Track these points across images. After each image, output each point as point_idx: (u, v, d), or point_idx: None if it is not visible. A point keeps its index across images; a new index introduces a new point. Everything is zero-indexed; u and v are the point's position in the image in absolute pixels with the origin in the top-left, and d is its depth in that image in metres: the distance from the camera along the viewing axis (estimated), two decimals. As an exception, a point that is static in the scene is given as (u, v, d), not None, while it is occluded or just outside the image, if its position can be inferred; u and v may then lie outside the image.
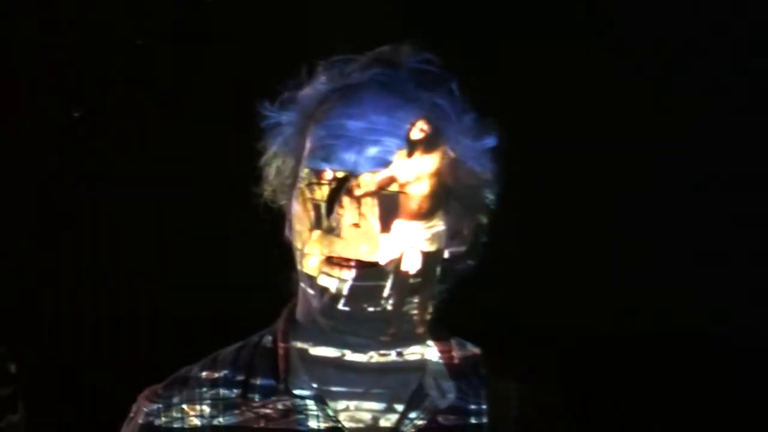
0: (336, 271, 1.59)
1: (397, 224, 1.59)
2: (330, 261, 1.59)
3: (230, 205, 1.94)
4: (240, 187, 1.73)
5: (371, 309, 1.60)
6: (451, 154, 1.63)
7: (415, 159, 1.60)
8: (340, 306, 1.60)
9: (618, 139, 2.96)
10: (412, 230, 1.60)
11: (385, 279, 1.60)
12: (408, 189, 1.60)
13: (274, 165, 1.69)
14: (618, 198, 2.96)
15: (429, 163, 1.61)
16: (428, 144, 1.61)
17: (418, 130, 1.60)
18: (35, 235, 3.32)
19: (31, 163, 3.26)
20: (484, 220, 1.70)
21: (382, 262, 1.59)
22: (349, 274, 1.58)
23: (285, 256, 1.68)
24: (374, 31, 1.73)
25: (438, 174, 1.62)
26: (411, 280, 1.62)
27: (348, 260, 1.58)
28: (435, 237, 1.63)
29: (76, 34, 3.21)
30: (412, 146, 1.60)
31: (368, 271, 1.59)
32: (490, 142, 1.67)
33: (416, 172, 1.60)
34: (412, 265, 1.61)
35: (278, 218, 1.70)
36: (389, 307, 1.61)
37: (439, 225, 1.63)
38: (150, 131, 3.19)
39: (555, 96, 2.91)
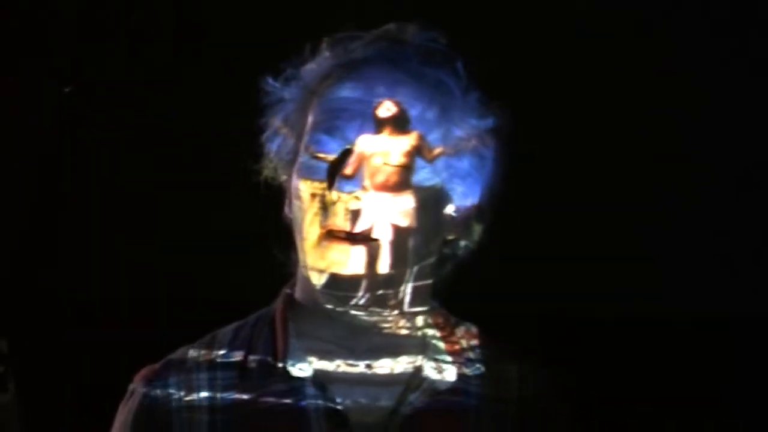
0: (335, 246, 1.57)
1: (398, 198, 1.58)
2: (330, 234, 1.57)
3: (230, 186, 1.93)
4: (241, 167, 1.72)
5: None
6: (456, 132, 1.62)
7: (417, 135, 1.58)
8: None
9: (620, 126, 2.96)
10: (411, 217, 1.58)
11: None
12: (410, 163, 1.58)
13: (275, 141, 1.68)
14: (617, 184, 2.96)
15: (431, 139, 1.59)
16: (433, 122, 1.60)
17: (414, 109, 1.59)
18: (31, 215, 3.31)
19: (30, 147, 3.26)
20: (485, 203, 1.69)
21: (382, 236, 1.57)
22: (348, 248, 1.57)
23: (285, 235, 1.68)
24: (379, 12, 1.72)
25: (441, 151, 1.60)
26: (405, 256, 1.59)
27: (348, 233, 1.57)
28: (435, 218, 1.61)
29: (75, 14, 3.20)
30: (414, 122, 1.58)
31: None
32: (495, 121, 1.66)
33: (419, 148, 1.58)
34: (409, 238, 1.59)
35: (279, 197, 1.69)
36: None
37: (439, 209, 1.62)
38: (149, 111, 3.19)
39: (559, 79, 2.91)
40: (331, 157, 1.58)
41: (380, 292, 1.59)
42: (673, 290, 2.94)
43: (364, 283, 1.58)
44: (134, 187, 3.22)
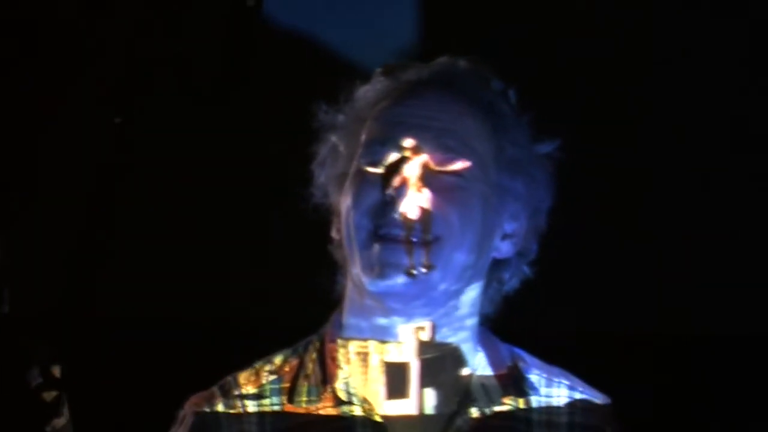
0: (387, 247, 1.58)
1: (450, 207, 1.59)
2: (381, 238, 1.59)
3: (279, 211, 1.95)
4: (290, 192, 1.74)
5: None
6: (509, 152, 1.64)
7: (470, 147, 1.61)
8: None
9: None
10: (463, 216, 1.60)
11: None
12: (462, 174, 1.60)
13: (326, 165, 1.70)
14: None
15: (485, 153, 1.62)
16: (482, 137, 1.63)
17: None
18: (82, 237, 3.34)
19: (81, 169, 3.29)
20: (539, 224, 1.70)
21: (432, 239, 1.58)
22: (401, 249, 1.57)
23: (332, 261, 1.69)
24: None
25: (493, 168, 1.63)
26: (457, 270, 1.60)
27: (399, 236, 1.57)
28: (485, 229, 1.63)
29: (123, 40, 3.23)
30: (466, 136, 1.62)
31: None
32: (547, 146, 1.68)
33: (472, 160, 1.61)
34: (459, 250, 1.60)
35: (326, 223, 1.70)
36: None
37: (490, 222, 1.63)
38: (199, 138, 3.22)
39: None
40: (386, 164, 1.60)
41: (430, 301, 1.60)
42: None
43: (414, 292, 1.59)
44: (182, 211, 3.25)
